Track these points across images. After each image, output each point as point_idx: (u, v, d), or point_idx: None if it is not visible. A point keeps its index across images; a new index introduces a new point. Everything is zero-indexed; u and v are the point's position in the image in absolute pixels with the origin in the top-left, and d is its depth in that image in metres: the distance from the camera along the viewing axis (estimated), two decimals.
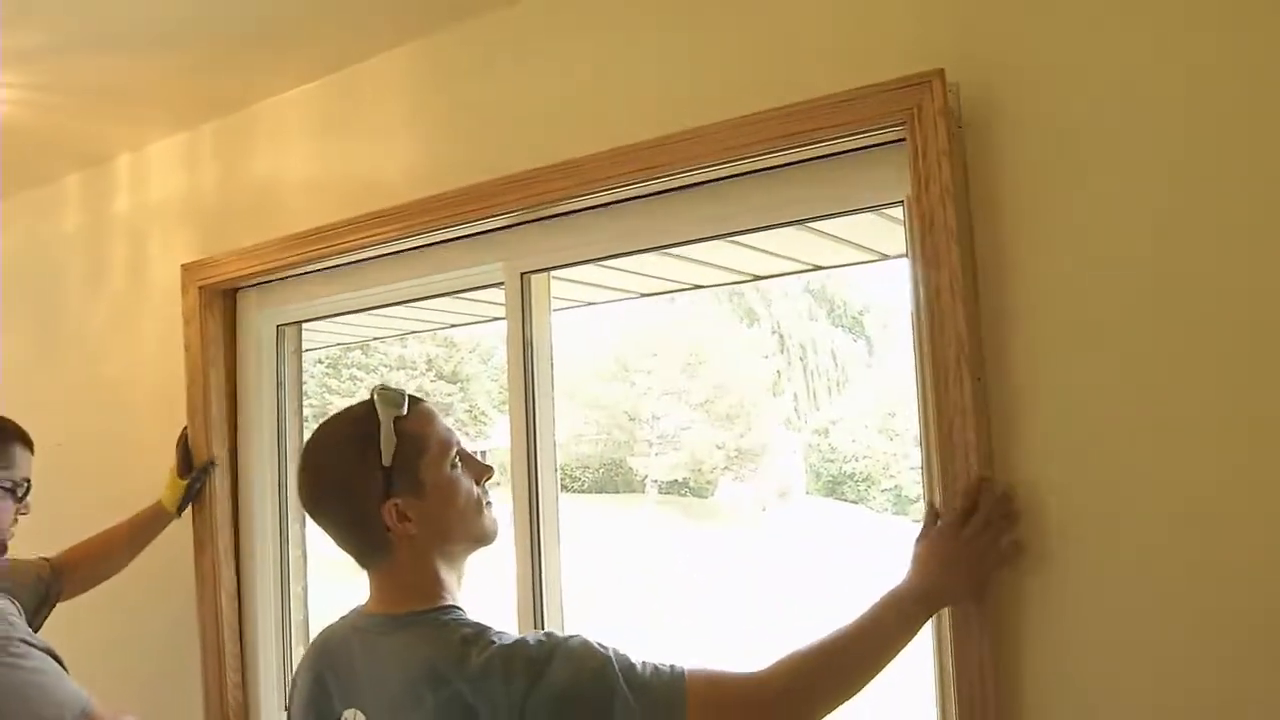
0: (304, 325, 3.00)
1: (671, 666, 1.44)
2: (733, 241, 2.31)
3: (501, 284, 2.43)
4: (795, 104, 1.88)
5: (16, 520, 2.21)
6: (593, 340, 22.05)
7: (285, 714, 1.76)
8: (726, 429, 22.74)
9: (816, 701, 1.49)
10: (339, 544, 1.60)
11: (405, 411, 1.58)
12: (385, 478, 1.54)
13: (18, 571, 2.37)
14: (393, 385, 1.62)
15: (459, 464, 1.62)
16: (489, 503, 1.66)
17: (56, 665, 1.97)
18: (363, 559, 1.60)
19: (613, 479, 23.24)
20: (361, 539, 1.58)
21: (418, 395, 1.64)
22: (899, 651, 1.57)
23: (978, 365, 1.71)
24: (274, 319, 2.94)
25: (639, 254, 2.30)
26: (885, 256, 2.69)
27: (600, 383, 22.88)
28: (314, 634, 2.86)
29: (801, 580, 16.85)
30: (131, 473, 2.75)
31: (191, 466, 2.84)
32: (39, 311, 3.54)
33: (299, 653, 2.88)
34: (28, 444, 2.24)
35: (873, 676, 1.55)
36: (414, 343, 22.17)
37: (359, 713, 1.53)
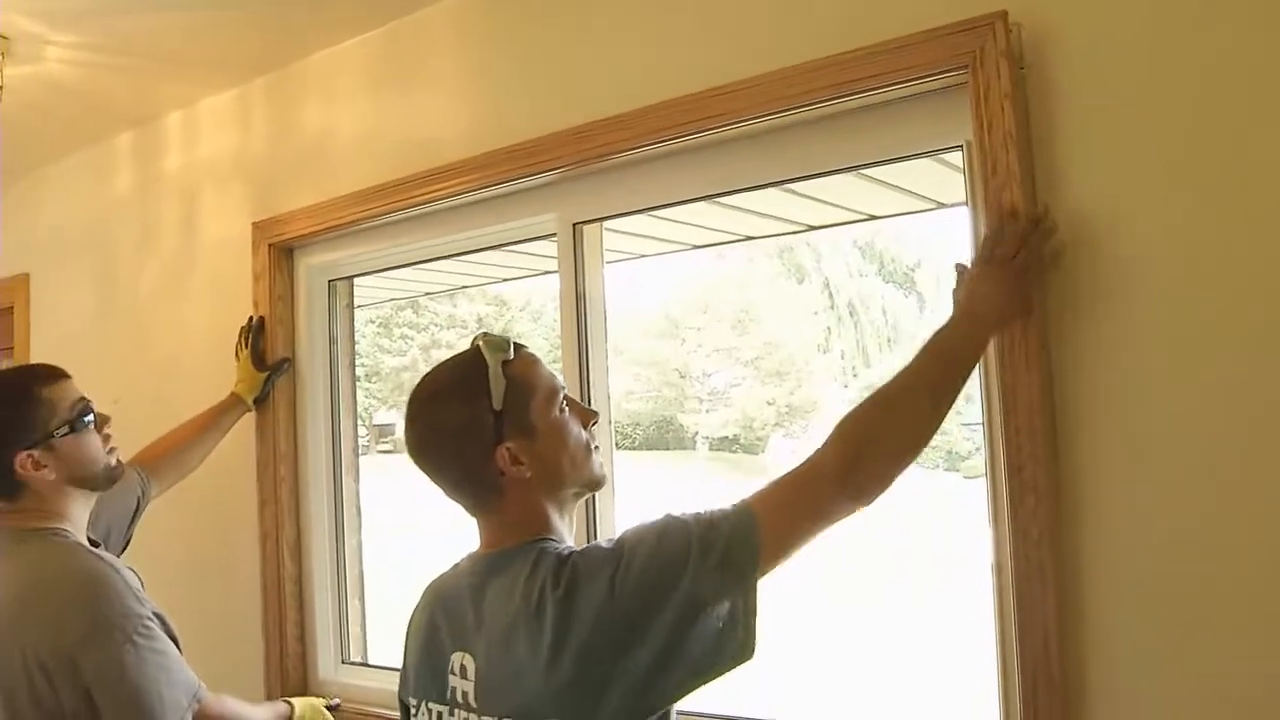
0: (355, 281, 3.01)
1: (736, 506, 1.46)
2: (786, 190, 2.28)
3: (553, 235, 2.41)
4: (853, 50, 1.86)
5: (109, 436, 2.17)
6: (643, 297, 22.02)
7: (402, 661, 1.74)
8: (777, 385, 22.68)
9: (883, 456, 1.49)
10: (450, 493, 1.59)
11: (512, 356, 1.57)
12: (496, 422, 1.53)
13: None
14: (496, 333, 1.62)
15: (566, 408, 1.61)
16: (596, 446, 1.65)
17: (174, 646, 1.98)
18: (475, 505, 1.60)
19: (663, 436, 23.26)
20: (475, 485, 1.57)
21: (520, 341, 1.63)
22: (958, 382, 1.58)
23: (1039, 315, 1.68)
24: (326, 274, 2.95)
25: (692, 203, 2.27)
26: (941, 205, 2.65)
27: (651, 340, 22.86)
28: (369, 588, 2.91)
29: (852, 534, 16.82)
30: None
31: (265, 359, 2.89)
32: (94, 271, 3.57)
33: (354, 606, 2.91)
34: (53, 378, 2.13)
35: (936, 415, 1.55)
36: (464, 301, 22.24)
37: (466, 655, 1.54)
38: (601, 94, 2.23)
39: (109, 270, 3.50)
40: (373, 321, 20.81)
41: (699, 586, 1.39)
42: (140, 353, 3.32)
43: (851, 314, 22.98)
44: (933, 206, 2.67)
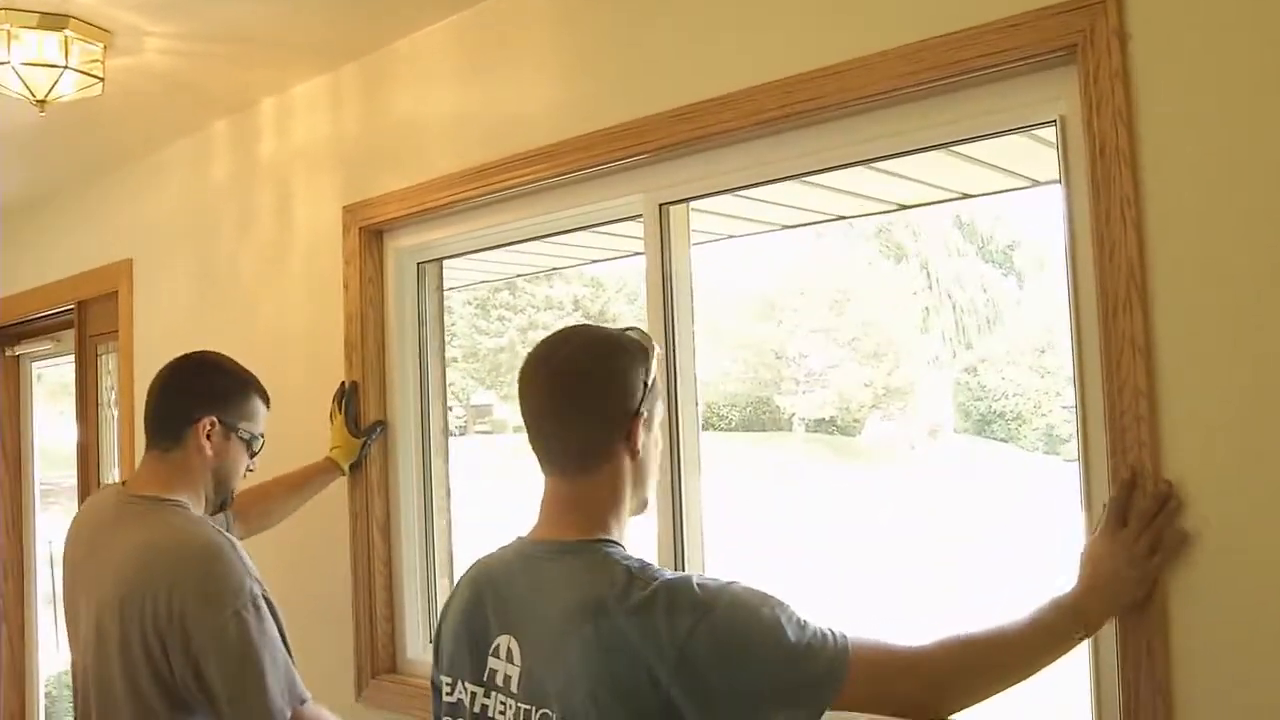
0: (446, 262, 3.03)
1: (834, 634, 1.40)
2: (875, 169, 2.23)
3: (640, 216, 2.39)
4: (959, 31, 1.81)
5: (245, 475, 2.33)
6: (740, 279, 21.92)
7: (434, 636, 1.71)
8: (874, 367, 22.47)
9: (972, 688, 1.47)
10: (561, 436, 1.54)
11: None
12: (644, 393, 1.54)
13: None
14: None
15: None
16: None
17: (281, 637, 2.02)
18: (576, 462, 1.54)
19: (759, 417, 23.20)
20: (599, 437, 1.53)
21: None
22: (1063, 653, 1.55)
23: (1148, 296, 1.62)
24: (415, 256, 2.97)
25: (780, 182, 2.24)
26: (1036, 182, 2.58)
27: (748, 321, 22.78)
28: (459, 568, 2.92)
29: (952, 518, 16.65)
30: (285, 414, 2.82)
31: (359, 423, 2.91)
32: (195, 255, 3.64)
33: (443, 585, 2.94)
34: (266, 400, 2.34)
35: (1031, 674, 1.52)
36: (560, 283, 22.37)
37: (513, 639, 1.50)
38: (697, 75, 2.20)
39: (209, 255, 3.57)
40: (470, 303, 21.03)
41: (766, 695, 1.36)
42: (241, 336, 3.36)
43: (949, 294, 22.65)
44: (1027, 184, 2.60)
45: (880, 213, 2.96)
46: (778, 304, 23.37)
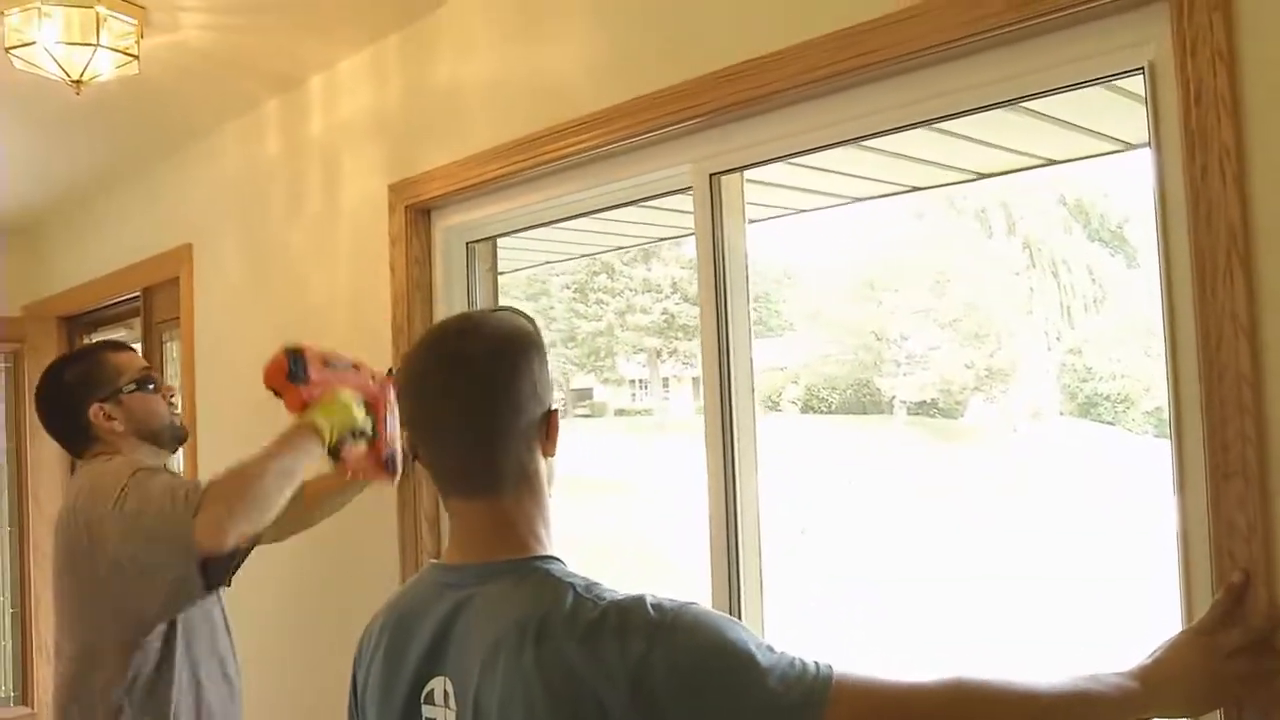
0: (515, 242, 2.88)
1: (817, 664, 1.21)
2: (943, 131, 2.03)
3: (690, 189, 2.22)
4: None
5: (173, 404, 2.48)
6: (838, 260, 21.62)
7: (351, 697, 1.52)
8: (976, 348, 22.00)
9: None
10: (475, 452, 1.34)
11: None
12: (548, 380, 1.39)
13: None
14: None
15: None
16: None
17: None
18: (494, 481, 1.34)
19: (860, 400, 22.89)
20: (521, 447, 1.35)
21: None
22: None
23: (1252, 264, 1.40)
24: (464, 235, 2.83)
25: (836, 147, 2.04)
26: (1129, 145, 2.35)
27: (847, 302, 22.48)
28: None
29: (1056, 503, 16.23)
30: None
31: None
32: (250, 240, 3.56)
33: None
34: (121, 346, 2.48)
35: None
36: (658, 265, 22.25)
37: (447, 680, 1.32)
38: (744, 32, 2.01)
39: (260, 240, 3.49)
40: (568, 288, 21.08)
41: None
42: (290, 321, 3.28)
43: (1054, 274, 22.08)
44: (1119, 148, 2.37)
45: (957, 182, 2.74)
46: (877, 284, 23.00)
